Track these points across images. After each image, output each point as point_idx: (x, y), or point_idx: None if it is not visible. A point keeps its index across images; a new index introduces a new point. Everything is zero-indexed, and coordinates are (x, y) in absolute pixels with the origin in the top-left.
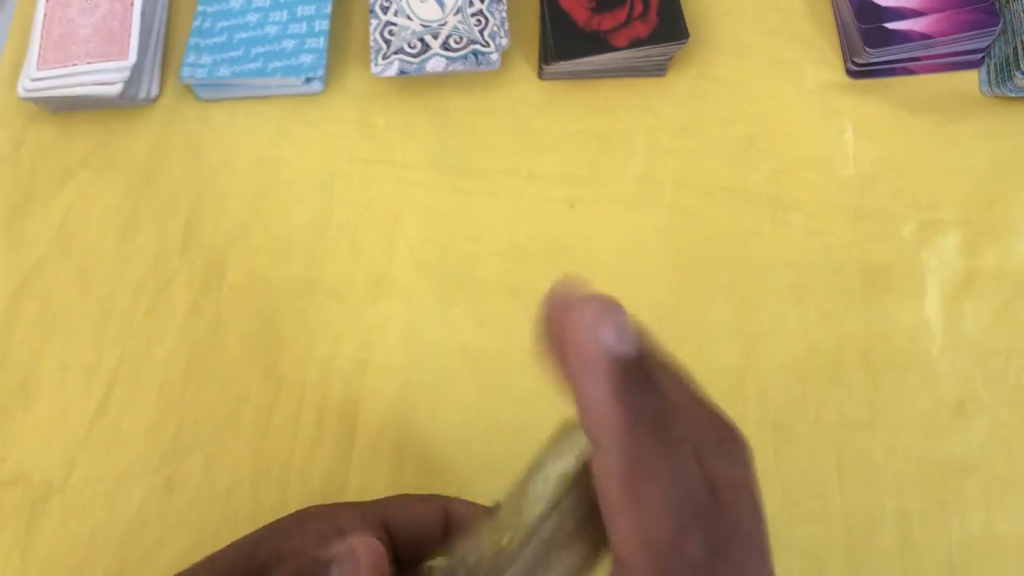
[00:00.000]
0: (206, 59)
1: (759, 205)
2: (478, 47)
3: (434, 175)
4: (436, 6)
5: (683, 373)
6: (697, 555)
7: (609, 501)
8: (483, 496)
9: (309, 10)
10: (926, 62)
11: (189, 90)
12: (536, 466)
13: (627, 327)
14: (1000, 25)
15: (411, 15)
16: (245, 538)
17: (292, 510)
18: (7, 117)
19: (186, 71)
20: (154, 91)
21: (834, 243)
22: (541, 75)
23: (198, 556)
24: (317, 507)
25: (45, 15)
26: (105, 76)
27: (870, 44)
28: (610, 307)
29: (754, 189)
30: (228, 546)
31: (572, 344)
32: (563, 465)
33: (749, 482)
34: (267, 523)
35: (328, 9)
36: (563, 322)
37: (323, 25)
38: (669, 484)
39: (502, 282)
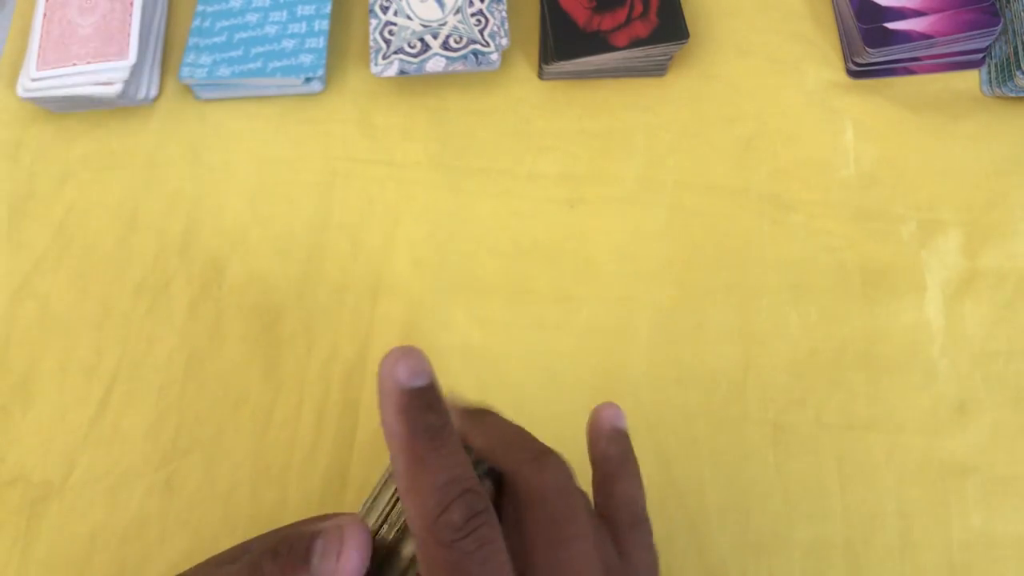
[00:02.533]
0: (206, 59)
1: (759, 205)
2: (478, 47)
3: (434, 175)
4: (436, 6)
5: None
6: (458, 521)
7: (400, 492)
8: None
9: (309, 10)
10: (926, 62)
11: (189, 90)
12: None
13: (419, 368)
14: (1000, 25)
15: (411, 15)
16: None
17: (292, 510)
18: (7, 117)
19: (185, 71)
20: (154, 91)
21: (834, 243)
22: (541, 75)
23: (198, 556)
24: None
25: (45, 15)
26: (105, 76)
27: (870, 44)
28: (406, 352)
29: (754, 189)
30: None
31: (380, 383)
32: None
33: (558, 484)
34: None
35: (328, 9)
36: (379, 370)
37: (323, 25)
38: (436, 473)
39: (502, 282)
